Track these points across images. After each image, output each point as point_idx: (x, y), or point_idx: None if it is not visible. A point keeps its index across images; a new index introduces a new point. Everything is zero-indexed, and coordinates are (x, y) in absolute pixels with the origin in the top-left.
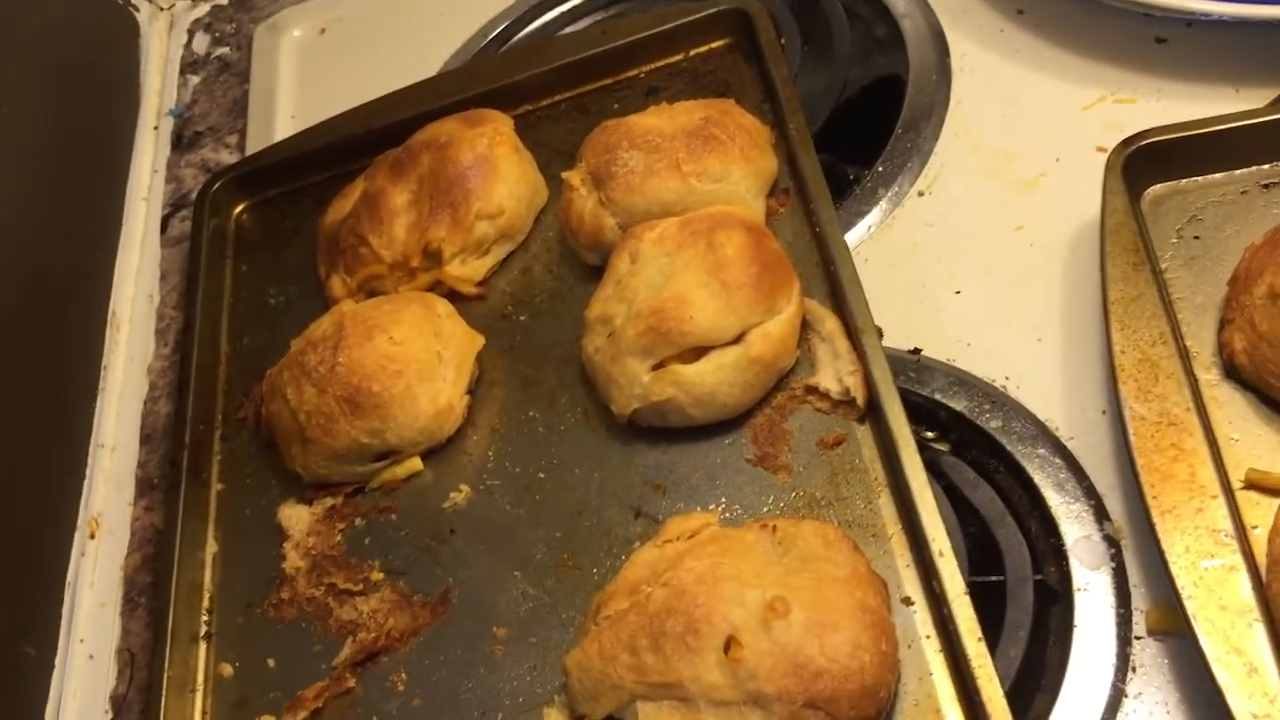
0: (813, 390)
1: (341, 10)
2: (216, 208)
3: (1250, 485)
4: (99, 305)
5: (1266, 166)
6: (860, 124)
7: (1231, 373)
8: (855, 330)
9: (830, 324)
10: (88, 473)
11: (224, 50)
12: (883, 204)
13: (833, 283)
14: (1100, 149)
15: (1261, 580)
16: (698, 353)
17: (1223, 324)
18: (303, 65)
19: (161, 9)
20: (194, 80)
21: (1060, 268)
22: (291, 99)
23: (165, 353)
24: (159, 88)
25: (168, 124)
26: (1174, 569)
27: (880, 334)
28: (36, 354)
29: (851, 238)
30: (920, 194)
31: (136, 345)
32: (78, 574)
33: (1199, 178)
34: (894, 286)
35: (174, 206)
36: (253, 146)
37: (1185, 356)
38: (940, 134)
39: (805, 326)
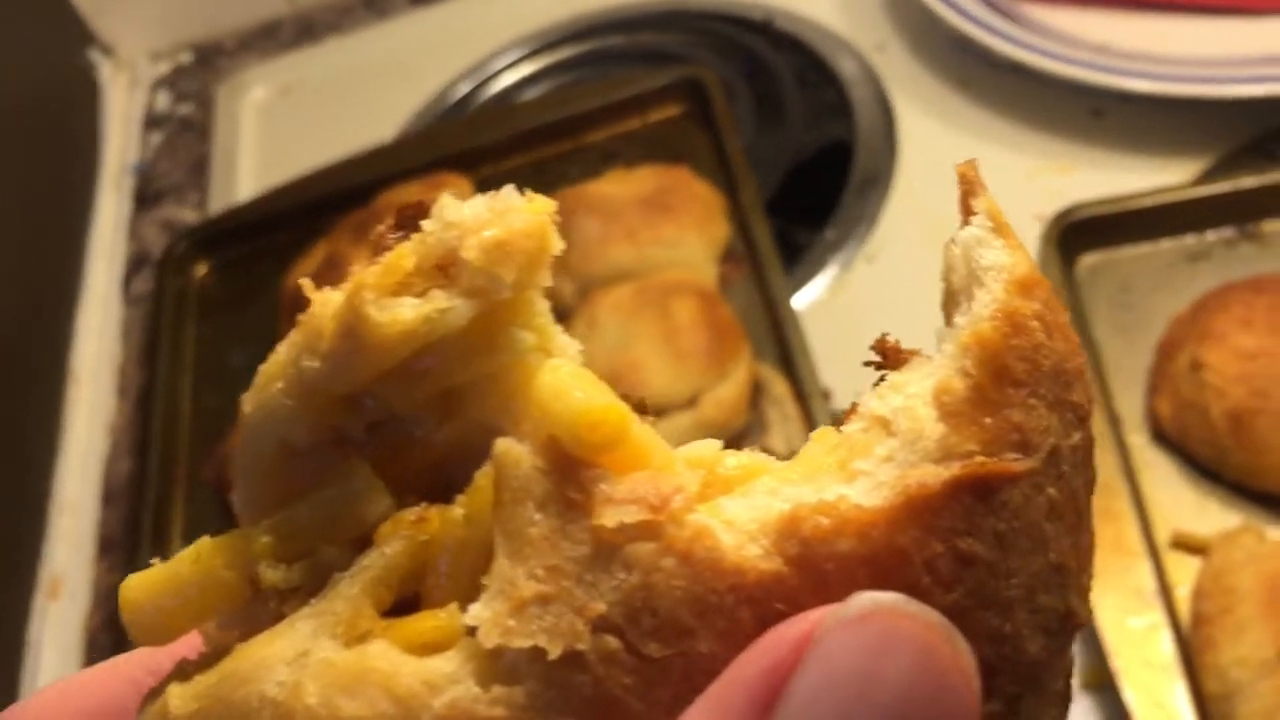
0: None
1: (304, 71)
2: (180, 268)
3: (1176, 545)
4: (59, 363)
5: (1190, 239)
6: (811, 187)
7: (1159, 437)
8: (804, 394)
9: (780, 388)
10: (47, 532)
11: (186, 109)
12: (832, 268)
13: (783, 347)
14: (1039, 217)
15: (1183, 638)
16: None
17: (1151, 390)
18: (265, 125)
19: (123, 64)
20: (156, 138)
21: None
22: (254, 158)
23: (127, 411)
24: (120, 146)
25: (129, 182)
26: (1102, 627)
27: (828, 396)
28: None
29: (801, 301)
30: (868, 259)
31: (99, 403)
32: (41, 634)
33: (1130, 247)
34: (843, 349)
35: (136, 264)
36: (215, 205)
37: (1116, 422)
38: (887, 200)
39: (756, 389)
